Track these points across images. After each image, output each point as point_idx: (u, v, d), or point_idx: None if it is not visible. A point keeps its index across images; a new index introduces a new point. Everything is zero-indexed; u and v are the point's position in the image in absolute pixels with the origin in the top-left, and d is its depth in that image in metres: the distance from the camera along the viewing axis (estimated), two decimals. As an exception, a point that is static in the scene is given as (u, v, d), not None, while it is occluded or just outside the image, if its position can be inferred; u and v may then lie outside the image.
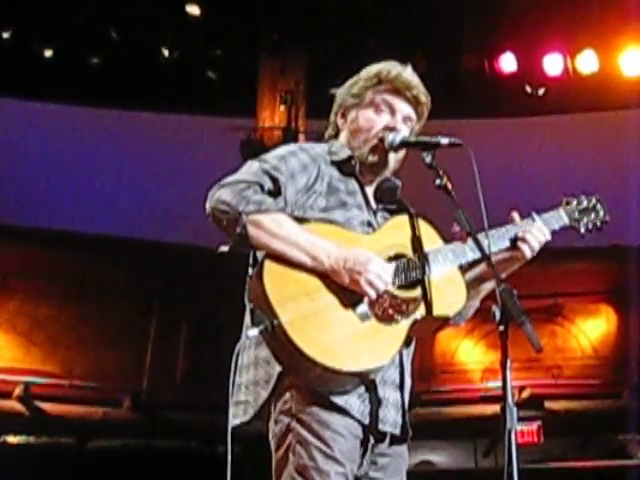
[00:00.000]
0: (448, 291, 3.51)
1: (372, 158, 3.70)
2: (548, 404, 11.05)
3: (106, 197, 11.89)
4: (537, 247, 3.70)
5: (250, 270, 3.50)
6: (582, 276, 11.60)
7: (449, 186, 3.46)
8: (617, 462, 10.56)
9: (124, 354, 11.37)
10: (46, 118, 11.79)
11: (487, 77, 10.69)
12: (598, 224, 3.92)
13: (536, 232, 3.71)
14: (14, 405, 10.72)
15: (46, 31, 10.59)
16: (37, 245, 11.31)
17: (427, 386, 11.09)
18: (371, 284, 3.30)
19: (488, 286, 3.72)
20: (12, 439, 10.85)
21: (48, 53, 10.61)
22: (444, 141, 3.54)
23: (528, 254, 3.69)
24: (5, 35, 10.41)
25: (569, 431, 10.97)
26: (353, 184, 3.66)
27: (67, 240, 11.42)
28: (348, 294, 3.33)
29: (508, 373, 3.03)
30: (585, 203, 3.93)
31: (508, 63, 10.56)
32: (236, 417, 3.50)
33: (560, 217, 3.85)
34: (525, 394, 10.83)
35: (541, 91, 10.75)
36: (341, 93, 3.84)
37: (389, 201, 3.76)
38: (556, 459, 10.68)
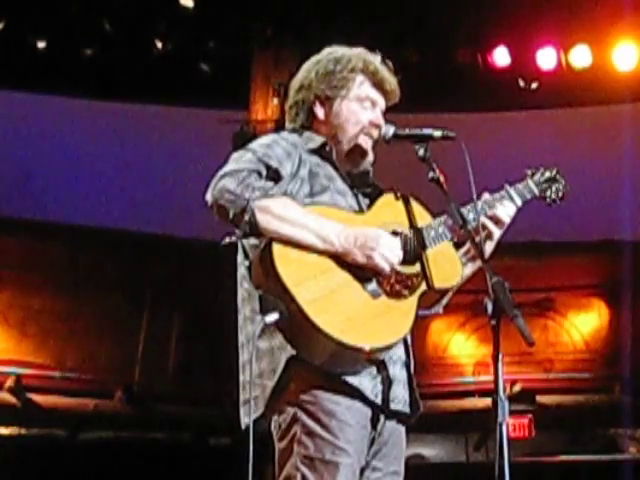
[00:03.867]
0: (445, 264, 3.55)
1: (356, 152, 3.72)
2: (540, 398, 11.07)
3: (97, 190, 11.86)
4: (507, 221, 3.76)
5: (244, 265, 3.51)
6: (574, 270, 11.62)
7: (442, 179, 3.47)
8: (609, 456, 10.59)
9: (116, 346, 11.39)
10: (38, 110, 11.75)
11: (480, 71, 10.67)
12: (560, 195, 3.99)
13: (505, 207, 3.78)
14: (5, 396, 10.73)
15: (39, 22, 10.55)
16: (30, 237, 11.31)
17: (418, 379, 11.05)
18: (385, 258, 3.33)
19: (474, 267, 3.76)
20: (3, 430, 10.84)
21: (41, 44, 10.57)
22: (437, 134, 3.55)
23: (495, 232, 3.74)
24: (-2, 26, 10.39)
25: (560, 425, 10.98)
26: (329, 169, 3.65)
27: (60, 232, 11.43)
28: (358, 272, 3.35)
29: (500, 367, 3.03)
30: (548, 174, 4.00)
31: (501, 57, 10.53)
32: (247, 415, 3.46)
33: (530, 188, 3.92)
34: (517, 388, 10.85)
35: (534, 85, 10.74)
36: (313, 80, 3.78)
37: (363, 185, 3.76)
38: (547, 453, 10.71)
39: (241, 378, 3.53)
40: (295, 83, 3.84)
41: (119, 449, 10.80)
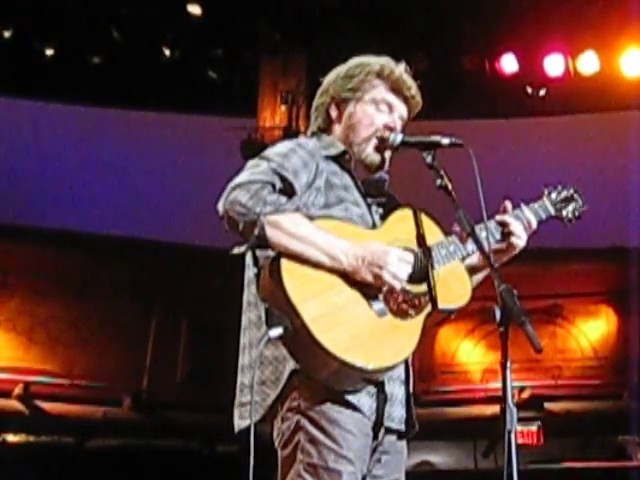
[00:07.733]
0: (454, 284, 3.53)
1: (372, 157, 3.70)
2: (548, 405, 11.05)
3: (107, 196, 11.88)
4: (524, 235, 3.76)
5: (252, 270, 3.50)
6: (582, 277, 11.60)
7: (450, 186, 3.46)
8: (617, 463, 10.54)
9: (124, 353, 11.38)
10: (47, 117, 11.77)
11: (488, 78, 10.67)
12: (577, 213, 4.00)
13: (517, 222, 3.77)
14: (14, 404, 10.73)
15: (47, 30, 10.58)
16: (38, 244, 11.32)
17: (427, 386, 11.10)
18: (394, 276, 3.30)
19: (480, 277, 3.76)
20: (12, 438, 10.85)
21: (49, 52, 10.60)
22: (445, 141, 3.55)
23: (520, 244, 3.76)
24: (6, 34, 10.40)
25: (569, 432, 10.95)
26: (347, 179, 3.63)
27: (68, 239, 11.43)
28: (364, 291, 3.33)
29: (508, 374, 3.02)
30: (565, 193, 4.01)
31: (509, 64, 10.54)
32: (243, 418, 3.46)
33: (546, 207, 3.93)
34: (525, 395, 10.84)
35: (542, 92, 10.74)
36: (332, 84, 3.81)
37: (378, 194, 3.75)
38: (555, 460, 10.66)
39: (239, 380, 3.52)
40: (319, 90, 3.87)
41: (127, 456, 10.81)
